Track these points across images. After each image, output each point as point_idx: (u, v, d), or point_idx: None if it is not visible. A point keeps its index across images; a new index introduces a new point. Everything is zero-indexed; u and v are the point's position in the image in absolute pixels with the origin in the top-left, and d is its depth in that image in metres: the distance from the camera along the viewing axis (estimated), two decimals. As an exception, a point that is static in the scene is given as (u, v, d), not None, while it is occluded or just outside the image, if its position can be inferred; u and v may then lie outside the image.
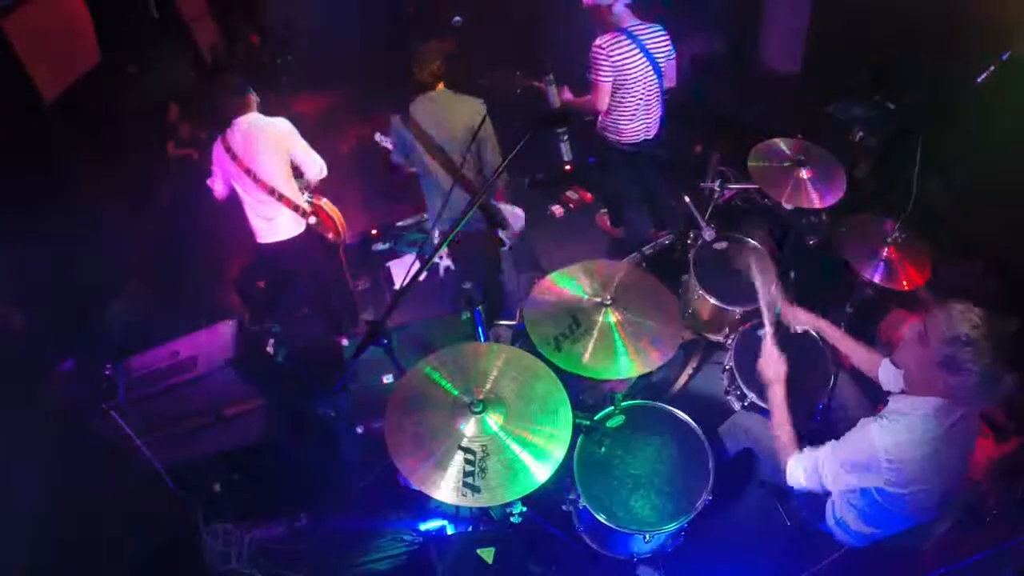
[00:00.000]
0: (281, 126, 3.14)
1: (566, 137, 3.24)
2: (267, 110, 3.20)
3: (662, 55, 3.36)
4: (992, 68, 2.92)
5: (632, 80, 3.32)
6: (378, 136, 3.97)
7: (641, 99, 3.41)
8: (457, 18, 4.28)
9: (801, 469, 1.93)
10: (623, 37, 3.24)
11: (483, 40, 4.79)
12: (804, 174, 2.95)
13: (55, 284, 3.05)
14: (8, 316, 2.98)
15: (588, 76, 3.35)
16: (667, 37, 3.36)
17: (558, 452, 1.80)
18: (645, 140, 3.59)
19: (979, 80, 2.95)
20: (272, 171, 3.12)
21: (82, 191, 3.44)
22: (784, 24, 4.51)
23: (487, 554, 2.25)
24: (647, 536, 2.19)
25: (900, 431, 1.71)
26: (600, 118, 3.60)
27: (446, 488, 1.72)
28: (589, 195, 4.70)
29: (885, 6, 3.70)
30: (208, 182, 3.25)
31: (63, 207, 3.30)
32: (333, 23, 6.03)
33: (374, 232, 4.43)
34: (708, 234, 3.05)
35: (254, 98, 3.13)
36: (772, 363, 2.21)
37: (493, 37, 4.99)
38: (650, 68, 3.33)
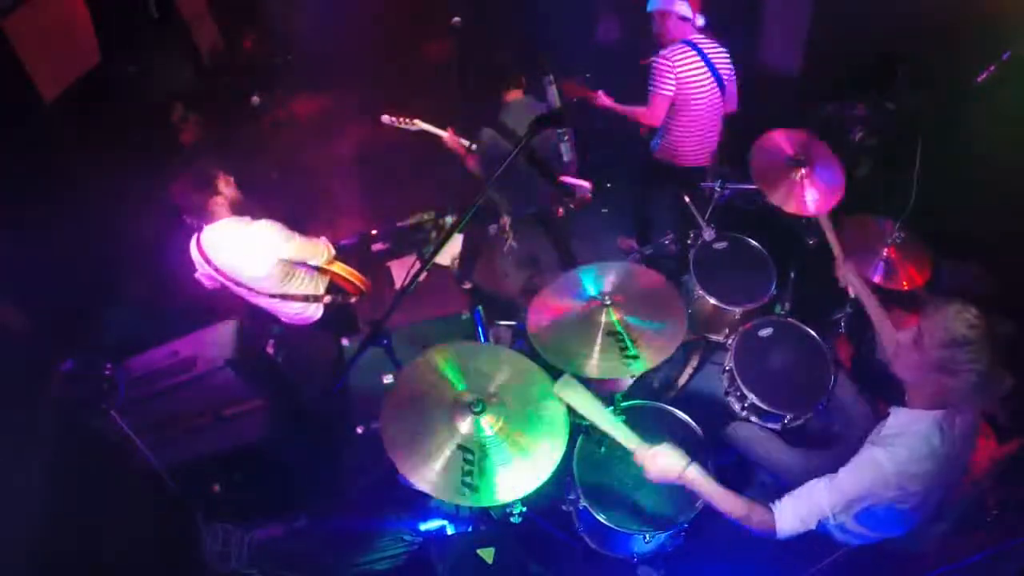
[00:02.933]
0: (260, 236, 2.72)
1: (566, 137, 3.25)
2: (268, 111, 3.16)
3: (726, 72, 3.22)
4: (992, 68, 2.92)
5: (696, 97, 3.17)
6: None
7: (704, 119, 3.26)
8: (456, 18, 4.29)
9: (795, 516, 1.74)
10: (689, 49, 3.09)
11: (482, 41, 4.79)
12: (804, 174, 2.95)
13: (55, 284, 3.05)
14: (8, 316, 2.98)
15: (647, 88, 3.20)
16: (728, 56, 3.22)
17: (555, 455, 1.80)
18: (700, 167, 3.43)
19: (979, 80, 2.95)
20: (265, 278, 2.81)
21: (82, 191, 3.44)
22: (784, 24, 4.51)
23: (487, 554, 2.25)
24: (647, 536, 2.19)
25: (903, 454, 1.69)
26: (655, 139, 3.46)
27: (443, 486, 1.71)
28: (588, 195, 4.69)
29: (885, 6, 3.69)
30: (196, 275, 2.94)
31: (63, 207, 3.30)
32: (333, 23, 6.03)
33: (374, 232, 4.42)
34: (708, 234, 3.05)
35: (226, 188, 2.72)
36: (656, 466, 1.82)
37: (492, 38, 4.99)
38: (716, 85, 3.18)
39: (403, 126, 3.59)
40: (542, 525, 2.43)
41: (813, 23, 4.30)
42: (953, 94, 3.26)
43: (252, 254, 2.74)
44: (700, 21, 3.14)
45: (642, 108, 3.27)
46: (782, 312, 3.10)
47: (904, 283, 2.73)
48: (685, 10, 3.09)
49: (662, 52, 3.13)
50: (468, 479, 1.71)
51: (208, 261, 2.77)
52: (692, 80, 3.13)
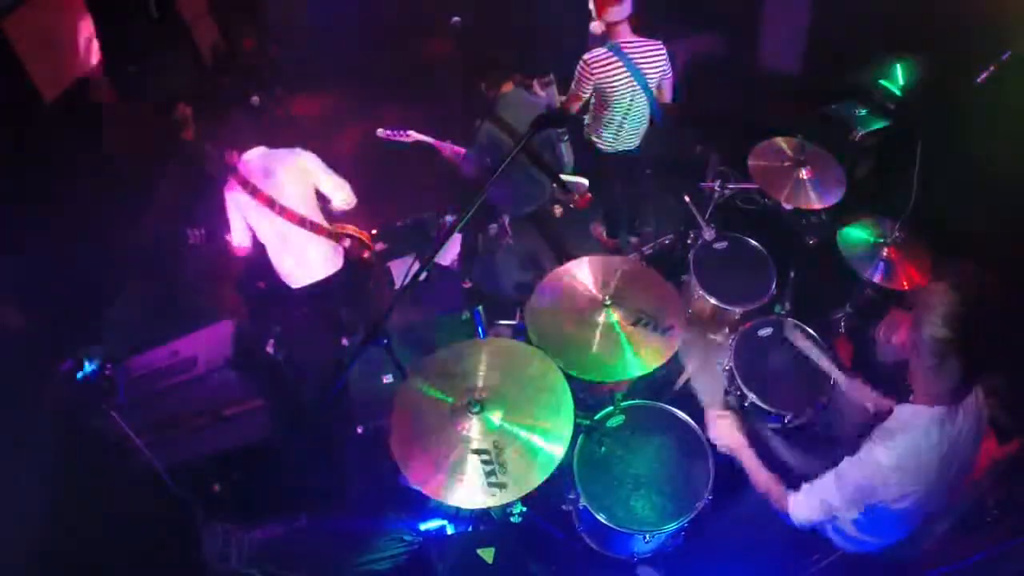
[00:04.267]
0: (304, 157, 2.96)
1: (566, 138, 3.25)
2: (268, 111, 3.19)
3: (654, 72, 3.32)
4: (992, 68, 2.92)
5: (617, 96, 3.32)
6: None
7: (625, 115, 3.42)
8: (456, 19, 4.29)
9: (807, 506, 1.86)
10: (611, 54, 3.24)
11: (482, 41, 4.78)
12: (804, 174, 2.95)
13: (55, 284, 3.05)
14: (8, 316, 2.98)
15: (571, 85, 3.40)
16: (663, 55, 3.33)
17: (565, 428, 1.83)
18: (627, 151, 3.62)
19: (979, 80, 2.95)
20: (299, 200, 2.94)
21: (82, 191, 3.44)
22: (784, 24, 4.51)
23: (487, 554, 2.25)
24: (647, 536, 2.19)
25: (903, 450, 1.69)
26: (586, 127, 3.64)
27: (474, 494, 1.71)
28: (589, 195, 4.70)
29: (885, 6, 3.70)
30: (226, 237, 3.05)
31: (63, 207, 3.30)
32: (333, 23, 6.03)
33: (374, 232, 4.42)
34: (708, 234, 3.05)
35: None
36: (723, 433, 2.15)
37: (492, 37, 4.99)
38: (636, 86, 3.31)
39: (399, 139, 3.68)
40: (542, 525, 2.43)
41: (813, 23, 4.30)
42: (953, 94, 3.25)
43: (294, 171, 2.91)
44: (626, 9, 3.23)
45: (562, 99, 3.54)
46: (782, 312, 3.10)
47: (904, 283, 2.72)
48: (615, 15, 3.21)
49: (584, 56, 3.27)
50: (492, 479, 1.72)
51: (243, 180, 2.84)
52: (610, 83, 3.29)
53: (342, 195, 3.07)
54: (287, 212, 2.89)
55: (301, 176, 2.94)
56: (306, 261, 3.05)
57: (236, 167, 2.89)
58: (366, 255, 3.30)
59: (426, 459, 1.78)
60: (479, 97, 3.25)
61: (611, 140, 3.56)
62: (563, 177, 3.50)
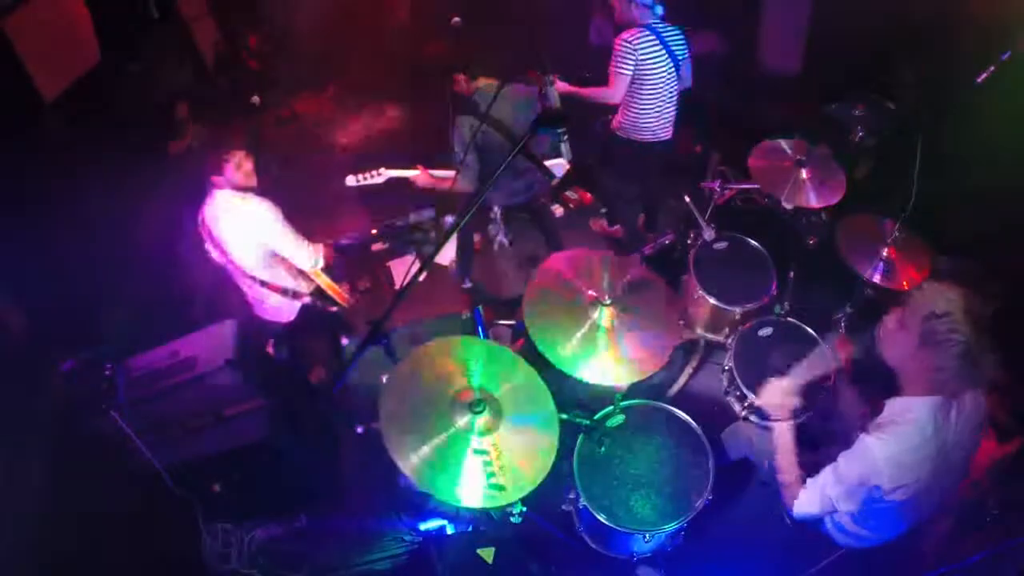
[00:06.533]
0: (256, 215, 2.81)
1: (566, 137, 3.26)
2: (268, 109, 3.17)
3: (680, 55, 3.42)
4: (992, 68, 2.92)
5: (655, 76, 3.37)
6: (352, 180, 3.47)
7: (661, 96, 3.46)
8: (456, 19, 4.28)
9: (810, 501, 1.90)
10: (648, 33, 3.30)
11: (482, 40, 4.78)
12: (804, 174, 2.95)
13: (55, 284, 3.04)
14: (8, 316, 2.98)
15: (608, 68, 3.39)
16: (684, 38, 3.43)
17: (554, 428, 1.85)
18: (660, 140, 3.62)
19: (979, 80, 2.95)
20: (248, 258, 2.91)
21: (82, 191, 3.44)
22: (784, 24, 4.52)
23: (487, 554, 2.25)
24: (647, 536, 2.19)
25: (896, 442, 1.70)
26: (616, 115, 3.63)
27: (473, 494, 1.70)
28: (589, 195, 4.70)
29: (885, 6, 3.70)
30: (205, 245, 3.04)
31: (63, 207, 3.30)
32: (334, 22, 6.03)
33: (374, 232, 4.42)
34: (708, 234, 3.05)
35: (244, 161, 2.79)
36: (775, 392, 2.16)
37: (492, 37, 4.98)
38: (672, 66, 3.39)
39: (371, 181, 3.42)
40: (542, 525, 2.43)
41: (813, 23, 4.31)
42: (953, 94, 3.26)
43: (239, 226, 2.83)
44: (659, 11, 3.35)
45: (601, 88, 3.46)
46: (781, 312, 3.11)
47: (904, 283, 2.73)
48: None
49: (623, 35, 3.30)
50: (492, 480, 1.71)
51: (204, 226, 2.91)
52: (650, 61, 3.33)
53: (301, 259, 2.95)
54: (238, 267, 2.94)
55: (251, 233, 2.84)
56: (264, 305, 3.07)
57: (211, 191, 2.86)
58: (332, 309, 3.21)
59: (416, 438, 1.75)
60: (454, 98, 3.19)
61: (649, 127, 3.55)
62: (546, 163, 3.47)
